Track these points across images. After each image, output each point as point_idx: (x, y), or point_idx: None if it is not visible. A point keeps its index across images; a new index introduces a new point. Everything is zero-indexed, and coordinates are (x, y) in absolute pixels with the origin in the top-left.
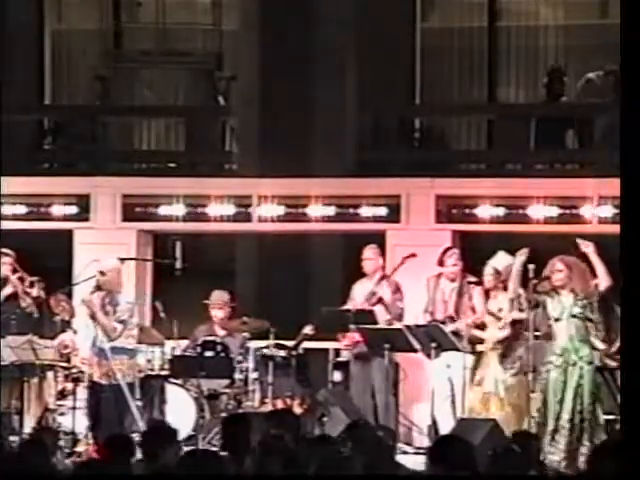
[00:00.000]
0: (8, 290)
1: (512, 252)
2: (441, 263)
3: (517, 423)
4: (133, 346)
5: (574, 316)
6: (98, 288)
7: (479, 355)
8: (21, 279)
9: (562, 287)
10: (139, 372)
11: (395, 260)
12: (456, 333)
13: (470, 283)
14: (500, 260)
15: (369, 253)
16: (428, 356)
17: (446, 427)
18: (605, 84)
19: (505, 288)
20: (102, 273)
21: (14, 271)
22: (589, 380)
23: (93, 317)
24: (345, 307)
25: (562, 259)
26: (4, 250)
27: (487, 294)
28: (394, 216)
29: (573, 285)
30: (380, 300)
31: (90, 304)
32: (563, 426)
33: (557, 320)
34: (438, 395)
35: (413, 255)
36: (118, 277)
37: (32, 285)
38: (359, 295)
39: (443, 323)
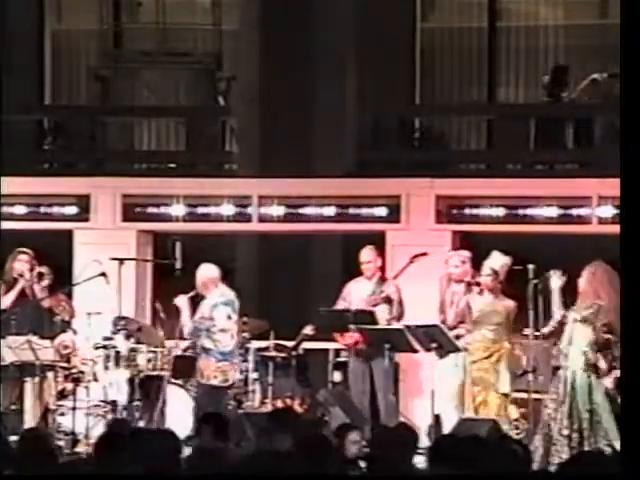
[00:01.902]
0: (19, 287)
1: (510, 253)
2: (446, 266)
3: (522, 422)
4: (219, 349)
5: (577, 320)
6: (198, 295)
7: (479, 354)
8: (38, 274)
9: (581, 292)
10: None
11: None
12: (459, 335)
13: (470, 284)
14: (496, 260)
15: (368, 256)
16: (440, 356)
17: (450, 426)
18: (609, 86)
19: (502, 289)
20: (197, 281)
21: (31, 269)
22: (582, 384)
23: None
24: (343, 308)
25: (591, 266)
26: (23, 249)
27: (485, 293)
28: (394, 216)
29: (589, 293)
30: (387, 299)
31: (182, 304)
32: (562, 431)
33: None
34: (444, 394)
35: (424, 254)
36: (210, 282)
37: (41, 277)
38: (357, 294)
39: (445, 323)
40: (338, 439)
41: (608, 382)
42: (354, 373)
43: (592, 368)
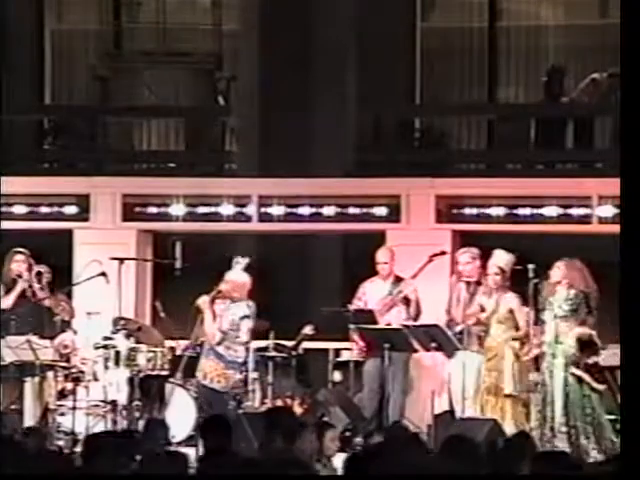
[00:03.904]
0: (19, 288)
1: (510, 252)
2: (457, 263)
3: (525, 423)
4: (232, 358)
5: (557, 316)
6: (220, 294)
7: (490, 355)
8: (37, 273)
9: (558, 283)
10: (233, 386)
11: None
12: (462, 333)
13: (479, 284)
14: (501, 258)
15: (384, 256)
16: (448, 356)
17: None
18: (608, 86)
19: (510, 287)
20: (227, 282)
21: (29, 269)
22: (572, 381)
23: (201, 320)
24: (346, 307)
25: (562, 260)
26: (19, 249)
27: (492, 293)
28: (394, 216)
29: (569, 279)
30: (405, 299)
31: (204, 306)
32: (560, 428)
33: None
34: (451, 394)
35: (443, 253)
36: (240, 289)
37: (40, 276)
38: (373, 294)
39: (448, 324)
40: (317, 438)
41: (596, 376)
42: (369, 373)
43: (579, 364)
